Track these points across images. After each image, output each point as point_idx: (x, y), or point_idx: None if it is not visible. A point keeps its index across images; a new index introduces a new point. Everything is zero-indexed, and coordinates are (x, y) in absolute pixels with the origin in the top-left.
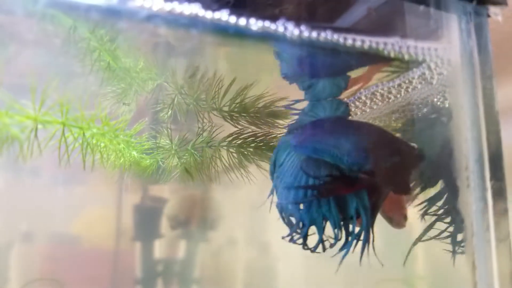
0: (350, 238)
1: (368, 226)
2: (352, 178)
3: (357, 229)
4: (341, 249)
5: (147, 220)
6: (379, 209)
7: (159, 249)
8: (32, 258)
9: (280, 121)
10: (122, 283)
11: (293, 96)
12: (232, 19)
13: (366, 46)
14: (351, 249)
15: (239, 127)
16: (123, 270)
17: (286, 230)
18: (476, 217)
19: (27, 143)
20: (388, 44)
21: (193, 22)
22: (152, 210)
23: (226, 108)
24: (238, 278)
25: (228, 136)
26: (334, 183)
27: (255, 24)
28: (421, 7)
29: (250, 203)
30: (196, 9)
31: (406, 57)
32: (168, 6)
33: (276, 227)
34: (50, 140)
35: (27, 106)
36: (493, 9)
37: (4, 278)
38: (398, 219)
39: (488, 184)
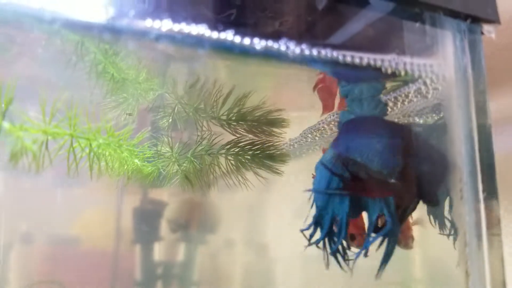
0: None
1: (394, 233)
2: (380, 182)
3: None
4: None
5: (147, 223)
6: (406, 219)
7: (158, 251)
8: (32, 260)
9: (277, 130)
10: (122, 285)
11: (289, 104)
12: (237, 39)
13: (364, 62)
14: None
15: (237, 135)
16: (123, 272)
17: (284, 233)
18: (470, 228)
19: (38, 154)
20: (385, 61)
21: (196, 40)
22: (152, 213)
23: (224, 117)
24: (237, 280)
25: (227, 144)
26: (356, 183)
27: (259, 43)
28: (417, 25)
29: (248, 206)
30: (202, 30)
31: (403, 73)
32: (176, 27)
33: (275, 230)
34: (59, 151)
35: (36, 119)
36: (486, 27)
37: (4, 280)
38: (405, 241)
39: (481, 195)
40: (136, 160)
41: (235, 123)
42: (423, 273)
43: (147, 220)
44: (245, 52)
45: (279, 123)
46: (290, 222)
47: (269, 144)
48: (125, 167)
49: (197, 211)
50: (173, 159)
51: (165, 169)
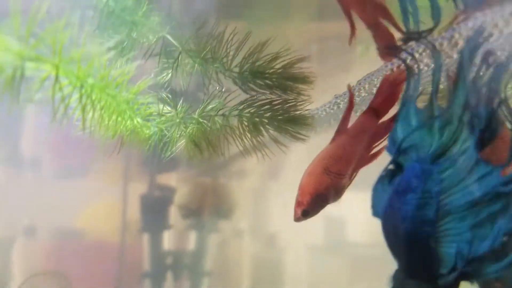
0: None
1: None
2: None
3: None
4: None
5: (155, 210)
6: None
7: (168, 240)
8: (37, 252)
9: (301, 86)
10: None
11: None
12: None
13: None
14: None
15: (253, 93)
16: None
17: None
18: None
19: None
20: None
21: None
22: (160, 200)
23: (237, 69)
24: (248, 270)
25: (240, 103)
26: None
27: None
28: None
29: (262, 192)
30: None
31: None
32: None
33: (284, 218)
34: (42, 81)
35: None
36: None
37: (9, 272)
38: None
39: None
40: (137, 118)
41: (250, 77)
42: None
43: (154, 207)
44: None
45: (304, 77)
46: None
47: (292, 103)
48: (123, 124)
49: (209, 196)
50: (178, 120)
51: (168, 131)
